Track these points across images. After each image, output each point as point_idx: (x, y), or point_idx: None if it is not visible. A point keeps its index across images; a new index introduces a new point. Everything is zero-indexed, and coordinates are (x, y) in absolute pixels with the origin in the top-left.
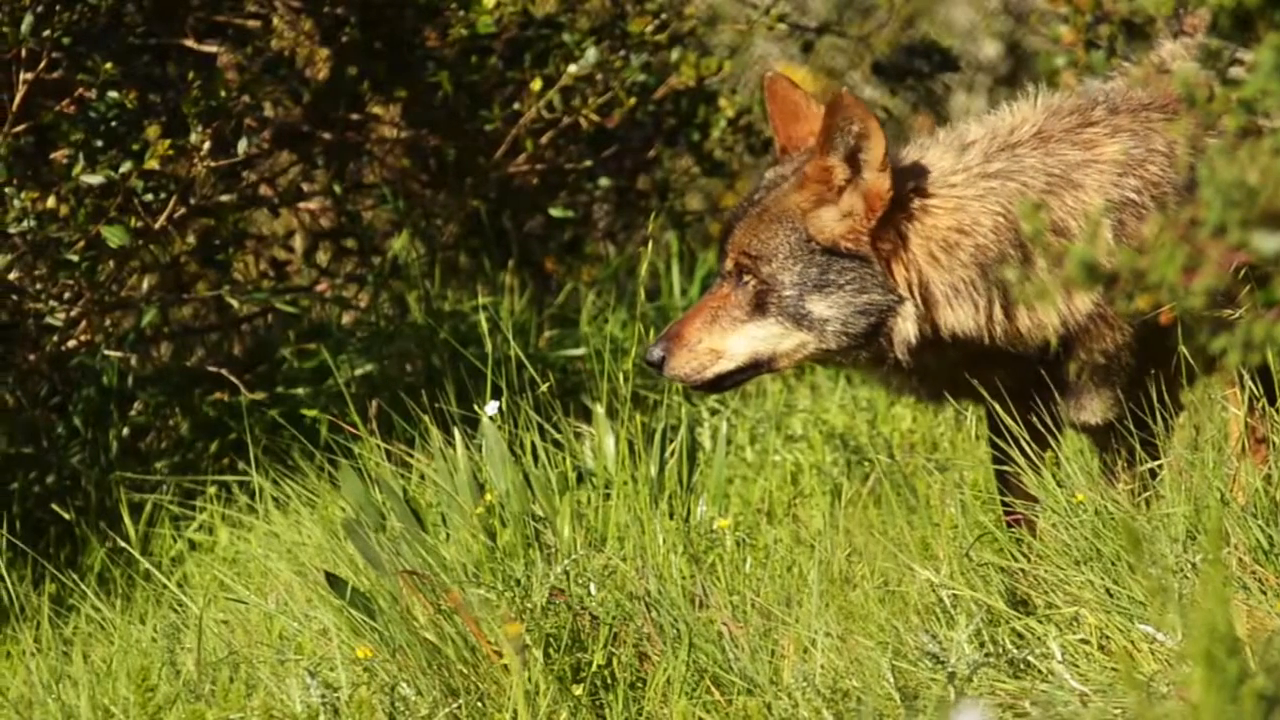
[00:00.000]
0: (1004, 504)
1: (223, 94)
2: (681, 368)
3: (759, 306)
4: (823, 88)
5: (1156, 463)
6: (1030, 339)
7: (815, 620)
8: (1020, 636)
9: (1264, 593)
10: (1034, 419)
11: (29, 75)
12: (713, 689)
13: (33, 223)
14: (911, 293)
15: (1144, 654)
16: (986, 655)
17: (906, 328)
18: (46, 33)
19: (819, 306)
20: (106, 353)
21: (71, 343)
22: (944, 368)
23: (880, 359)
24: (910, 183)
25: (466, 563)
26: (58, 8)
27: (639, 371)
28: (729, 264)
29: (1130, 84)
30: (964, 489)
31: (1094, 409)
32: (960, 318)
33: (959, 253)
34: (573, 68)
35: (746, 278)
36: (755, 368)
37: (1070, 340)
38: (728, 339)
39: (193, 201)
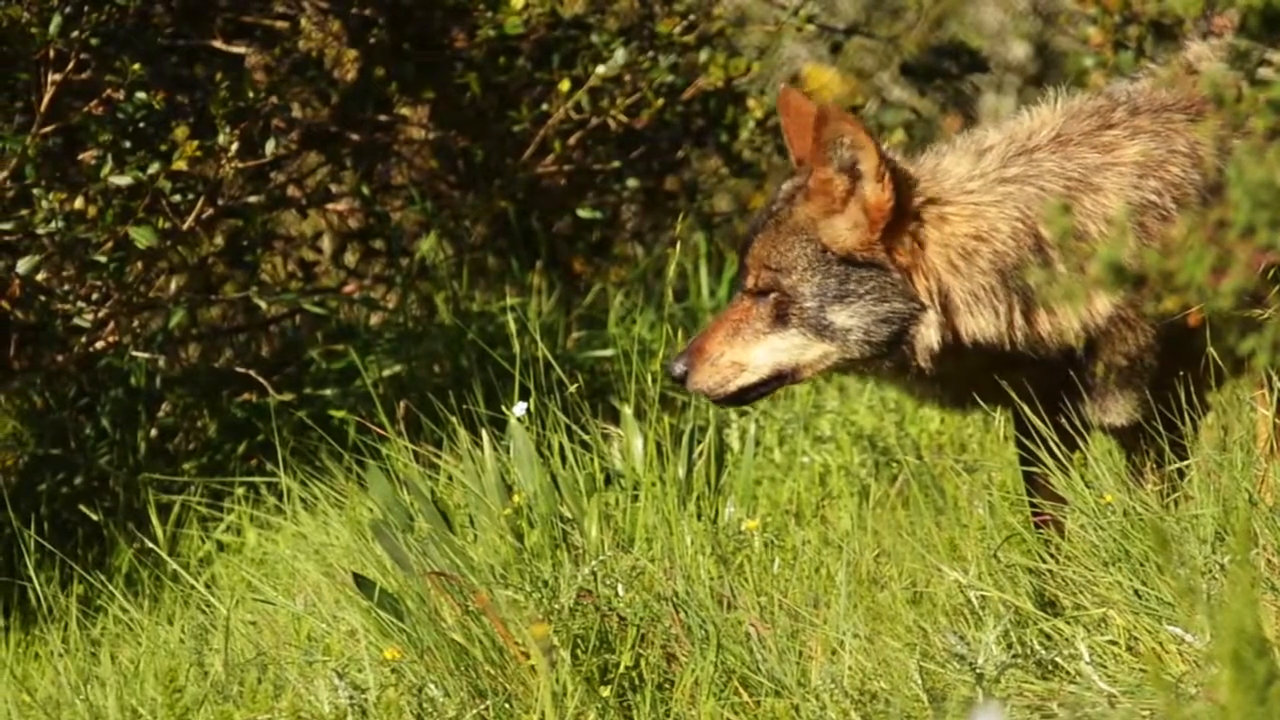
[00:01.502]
0: (1031, 505)
1: (251, 95)
2: (704, 381)
3: (781, 318)
4: (851, 89)
5: (1184, 463)
6: (1051, 343)
7: (843, 621)
8: (1048, 638)
9: None
10: (1062, 420)
11: (57, 76)
12: (740, 690)
13: (61, 224)
14: (932, 300)
15: (1172, 655)
16: (1014, 656)
17: (929, 335)
18: (75, 33)
19: (840, 316)
20: (134, 354)
21: (99, 344)
22: (966, 374)
23: (903, 367)
24: (923, 191)
25: (494, 564)
26: (86, 8)
27: (666, 375)
28: (750, 279)
29: (1154, 84)
30: (992, 490)
31: (1118, 411)
32: (981, 324)
33: (978, 260)
34: (601, 69)
35: (767, 290)
36: (778, 379)
37: (1093, 343)
38: (750, 351)
39: (221, 202)
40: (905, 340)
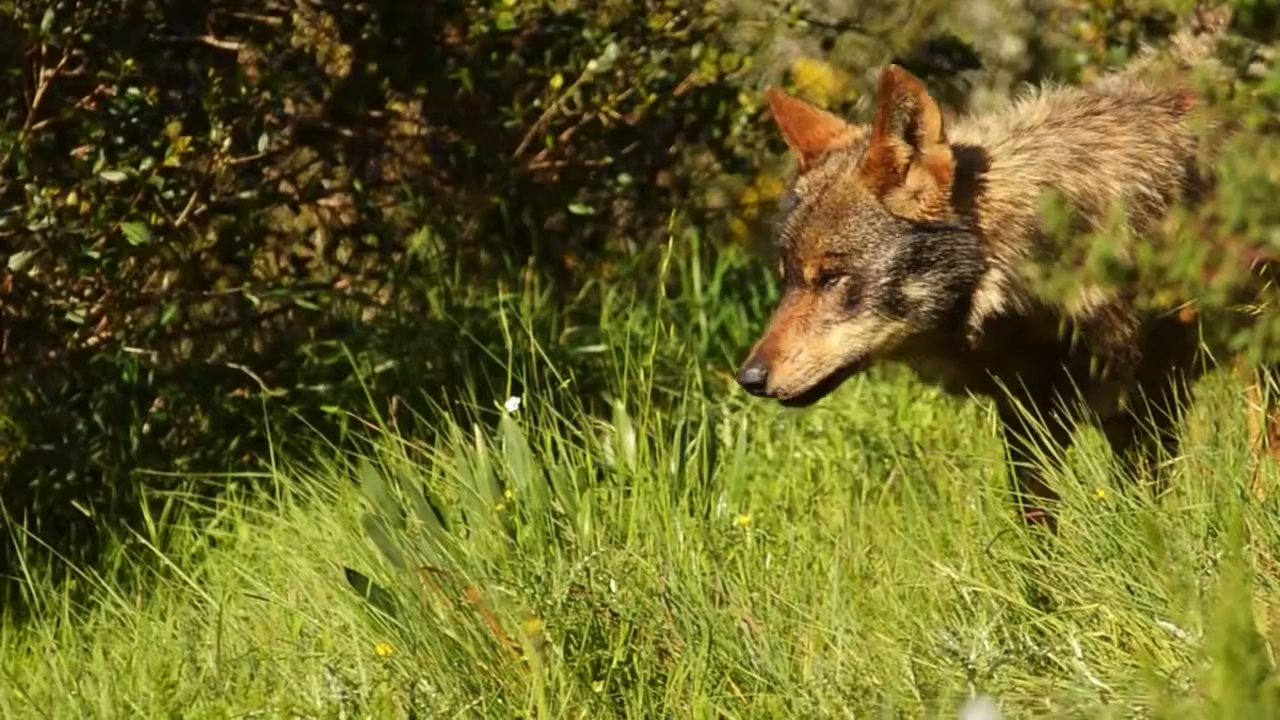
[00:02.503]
0: (1024, 500)
1: (243, 91)
2: (785, 380)
3: (852, 303)
4: (843, 84)
5: (1178, 459)
6: (1059, 316)
7: (835, 617)
8: (1041, 633)
9: None
10: (1054, 415)
11: (49, 72)
12: (733, 686)
13: (53, 219)
14: (996, 260)
15: (1165, 651)
16: (1007, 652)
17: (992, 298)
18: (67, 29)
19: (914, 288)
20: (127, 349)
21: (92, 339)
22: (988, 351)
23: (949, 342)
24: (966, 156)
25: (487, 559)
26: (78, 4)
27: (742, 385)
28: (809, 271)
29: (1133, 78)
30: (984, 486)
31: (1108, 403)
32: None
33: (1014, 225)
34: (593, 64)
35: (833, 278)
36: (852, 368)
37: (1084, 332)
38: (825, 343)
39: (213, 198)
40: (966, 307)
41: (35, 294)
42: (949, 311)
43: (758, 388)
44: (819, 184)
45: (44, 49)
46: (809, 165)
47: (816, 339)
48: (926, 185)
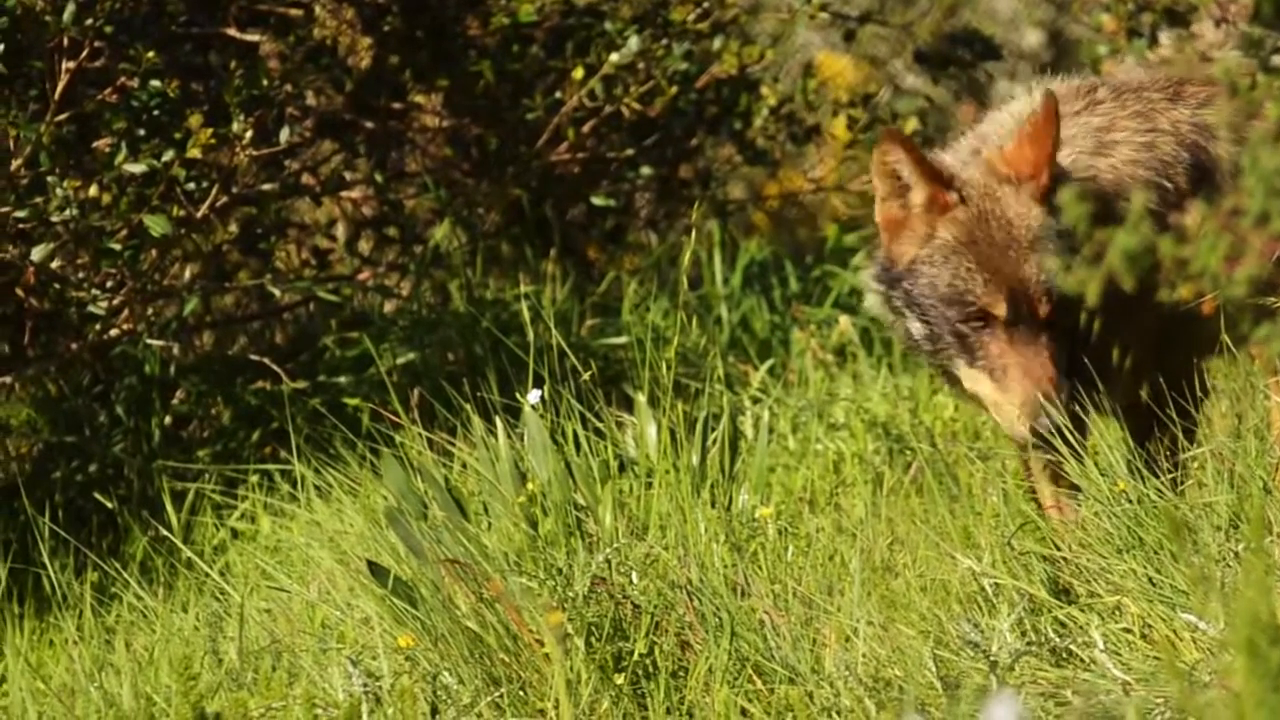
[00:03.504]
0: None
1: (265, 83)
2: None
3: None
4: (865, 76)
5: (1199, 451)
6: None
7: (857, 609)
8: (1062, 625)
9: None
10: (1075, 407)
11: (71, 64)
12: (754, 678)
13: (75, 211)
14: None
15: (1186, 643)
16: (1028, 644)
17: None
18: (89, 21)
19: None
20: (149, 341)
21: (114, 331)
22: None
23: None
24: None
25: (508, 551)
26: None
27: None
28: (1044, 309)
29: (1131, 66)
30: (1006, 477)
31: (1124, 392)
32: None
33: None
34: (615, 56)
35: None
36: None
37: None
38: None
39: (235, 190)
40: None
41: (57, 286)
42: None
43: (1055, 432)
44: (997, 219)
45: (66, 41)
46: (946, 200)
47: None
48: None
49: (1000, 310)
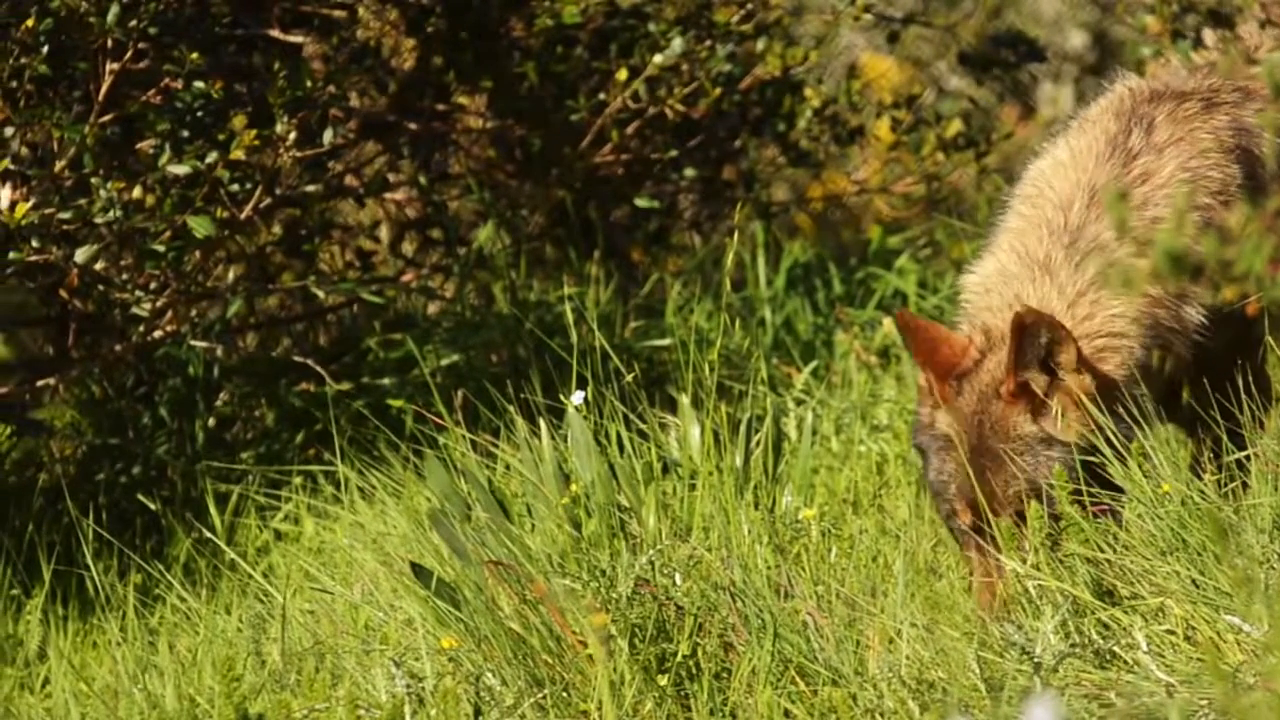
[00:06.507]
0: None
1: (308, 84)
2: None
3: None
4: (908, 78)
5: (1244, 453)
6: None
7: (900, 610)
8: (1106, 627)
9: None
10: (1119, 409)
11: (115, 65)
12: (798, 679)
13: (119, 213)
14: None
15: (1230, 645)
16: (1072, 646)
17: None
18: (132, 23)
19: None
20: (192, 343)
21: (157, 333)
22: None
23: None
24: None
25: (552, 553)
26: None
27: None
28: (1005, 521)
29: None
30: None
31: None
32: None
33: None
34: (658, 58)
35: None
36: None
37: None
38: None
39: (278, 192)
40: None
41: (101, 287)
42: None
43: None
44: (970, 422)
45: (109, 43)
46: (944, 392)
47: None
48: (1070, 411)
49: (966, 519)
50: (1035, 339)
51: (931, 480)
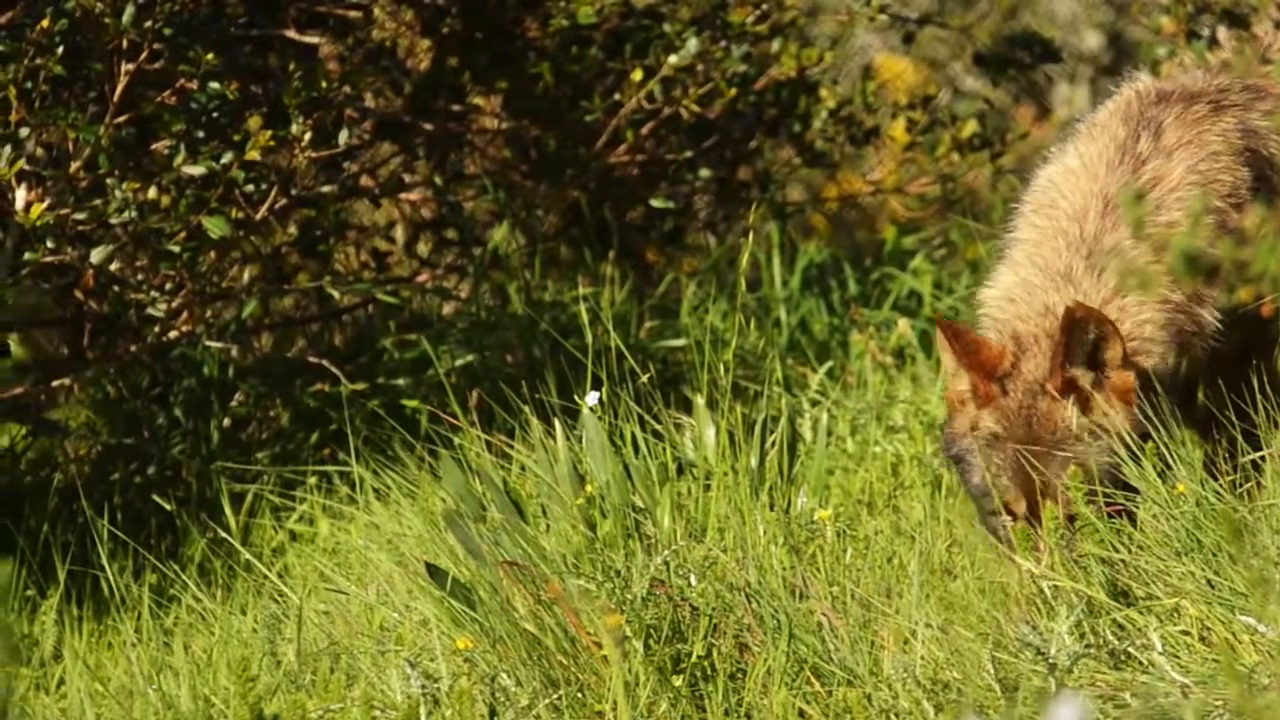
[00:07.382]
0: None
1: (324, 85)
2: None
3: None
4: (924, 79)
5: (1259, 454)
6: None
7: (915, 611)
8: (1121, 628)
9: None
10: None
11: (130, 66)
12: (812, 680)
13: (134, 213)
14: None
15: (1245, 645)
16: (1087, 646)
17: None
18: (148, 23)
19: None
20: (208, 343)
21: (173, 334)
22: None
23: None
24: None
25: (566, 554)
26: None
27: None
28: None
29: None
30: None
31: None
32: None
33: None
34: (673, 58)
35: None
36: None
37: None
38: None
39: (294, 192)
40: None
41: (116, 288)
42: None
43: None
44: (1018, 417)
45: (125, 43)
46: (990, 392)
47: None
48: (1115, 406)
49: (1020, 508)
50: (1084, 334)
51: (978, 480)
